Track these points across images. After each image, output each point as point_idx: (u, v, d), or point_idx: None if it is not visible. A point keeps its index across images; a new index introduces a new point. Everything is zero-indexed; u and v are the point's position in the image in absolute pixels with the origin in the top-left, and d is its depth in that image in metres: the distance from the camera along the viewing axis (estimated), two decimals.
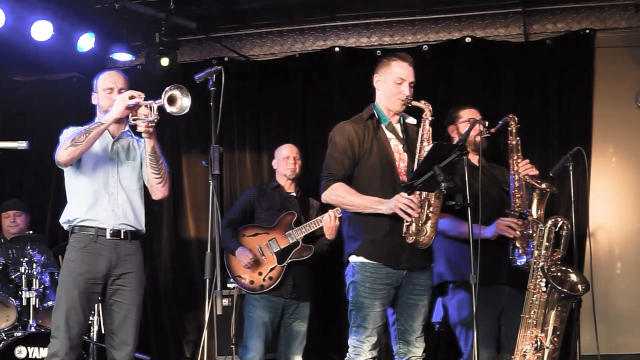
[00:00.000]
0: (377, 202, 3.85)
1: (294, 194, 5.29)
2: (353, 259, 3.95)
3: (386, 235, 3.86)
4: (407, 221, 3.79)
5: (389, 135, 4.03)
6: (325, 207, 4.81)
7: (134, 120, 3.99)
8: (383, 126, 4.04)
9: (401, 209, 3.74)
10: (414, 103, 3.95)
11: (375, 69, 4.10)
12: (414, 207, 3.74)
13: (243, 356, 5.06)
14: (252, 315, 5.06)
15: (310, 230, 5.08)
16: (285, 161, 5.26)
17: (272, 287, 5.03)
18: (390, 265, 3.88)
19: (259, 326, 5.02)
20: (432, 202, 3.83)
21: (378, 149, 3.97)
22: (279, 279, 5.04)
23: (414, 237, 3.81)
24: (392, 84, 3.99)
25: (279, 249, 5.10)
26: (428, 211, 3.82)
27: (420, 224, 3.81)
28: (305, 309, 5.16)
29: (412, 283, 3.94)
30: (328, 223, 4.93)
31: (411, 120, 4.09)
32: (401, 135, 4.03)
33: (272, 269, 5.07)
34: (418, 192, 3.80)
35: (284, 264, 5.06)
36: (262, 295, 5.06)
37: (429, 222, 3.83)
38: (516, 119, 4.40)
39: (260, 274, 5.07)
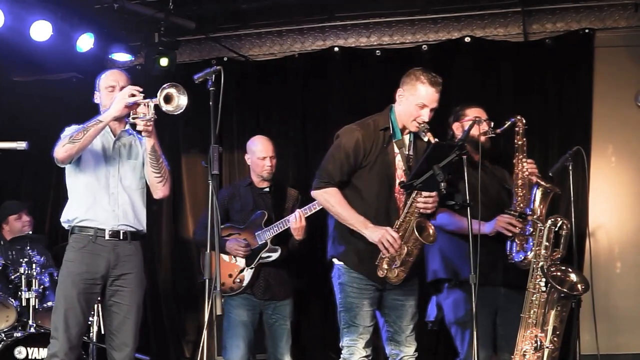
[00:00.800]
0: (363, 224, 3.83)
1: (267, 189, 5.18)
2: (337, 262, 3.98)
3: (369, 245, 3.85)
4: (383, 255, 3.81)
5: (397, 150, 3.98)
6: (306, 198, 4.72)
7: (133, 119, 3.96)
8: (393, 141, 3.98)
9: (383, 244, 3.76)
10: (429, 136, 3.86)
11: (401, 79, 3.99)
12: (395, 246, 3.76)
13: (224, 357, 4.97)
14: (230, 315, 4.99)
15: (279, 231, 4.98)
16: (262, 162, 5.08)
17: (241, 289, 4.98)
18: (370, 278, 3.91)
19: (237, 325, 4.96)
20: (411, 248, 3.83)
21: (381, 166, 3.93)
22: (249, 281, 4.99)
23: (385, 273, 3.84)
24: (414, 106, 3.90)
25: None
26: (405, 257, 3.83)
27: (392, 265, 3.83)
28: (286, 307, 5.09)
29: (395, 286, 3.95)
30: (294, 224, 4.86)
31: (424, 137, 3.98)
32: (406, 152, 3.98)
33: (241, 271, 5.02)
34: (401, 234, 3.81)
35: (252, 265, 5.00)
36: (239, 294, 5.00)
37: (403, 267, 3.84)
38: (524, 120, 4.40)
39: (230, 276, 5.00)
